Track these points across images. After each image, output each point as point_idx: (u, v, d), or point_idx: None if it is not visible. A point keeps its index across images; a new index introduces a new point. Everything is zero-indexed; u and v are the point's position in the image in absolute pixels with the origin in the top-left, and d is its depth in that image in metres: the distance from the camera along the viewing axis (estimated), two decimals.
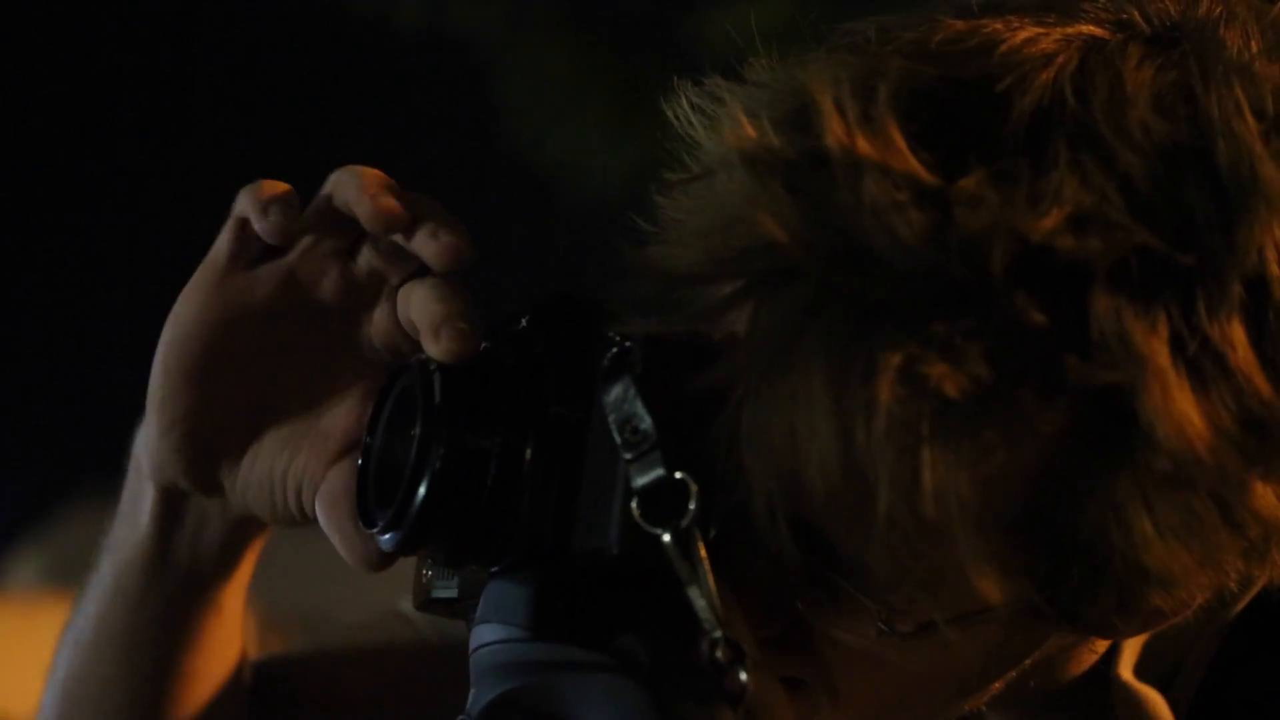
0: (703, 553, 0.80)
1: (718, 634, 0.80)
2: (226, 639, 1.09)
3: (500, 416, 0.85)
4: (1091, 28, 0.86)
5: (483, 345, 0.90)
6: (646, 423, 0.81)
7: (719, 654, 0.79)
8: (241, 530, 1.02)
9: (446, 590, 0.90)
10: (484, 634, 0.84)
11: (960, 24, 0.87)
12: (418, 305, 0.89)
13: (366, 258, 0.94)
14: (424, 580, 0.92)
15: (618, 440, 0.82)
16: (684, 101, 0.88)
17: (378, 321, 0.95)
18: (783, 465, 0.81)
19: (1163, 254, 0.81)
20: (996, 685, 0.94)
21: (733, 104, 0.86)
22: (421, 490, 0.84)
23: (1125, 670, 1.00)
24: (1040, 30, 0.86)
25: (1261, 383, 0.82)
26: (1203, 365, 0.81)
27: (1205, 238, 0.82)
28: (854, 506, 0.81)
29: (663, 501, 0.81)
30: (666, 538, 0.80)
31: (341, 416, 0.96)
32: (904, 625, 0.86)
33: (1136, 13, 0.87)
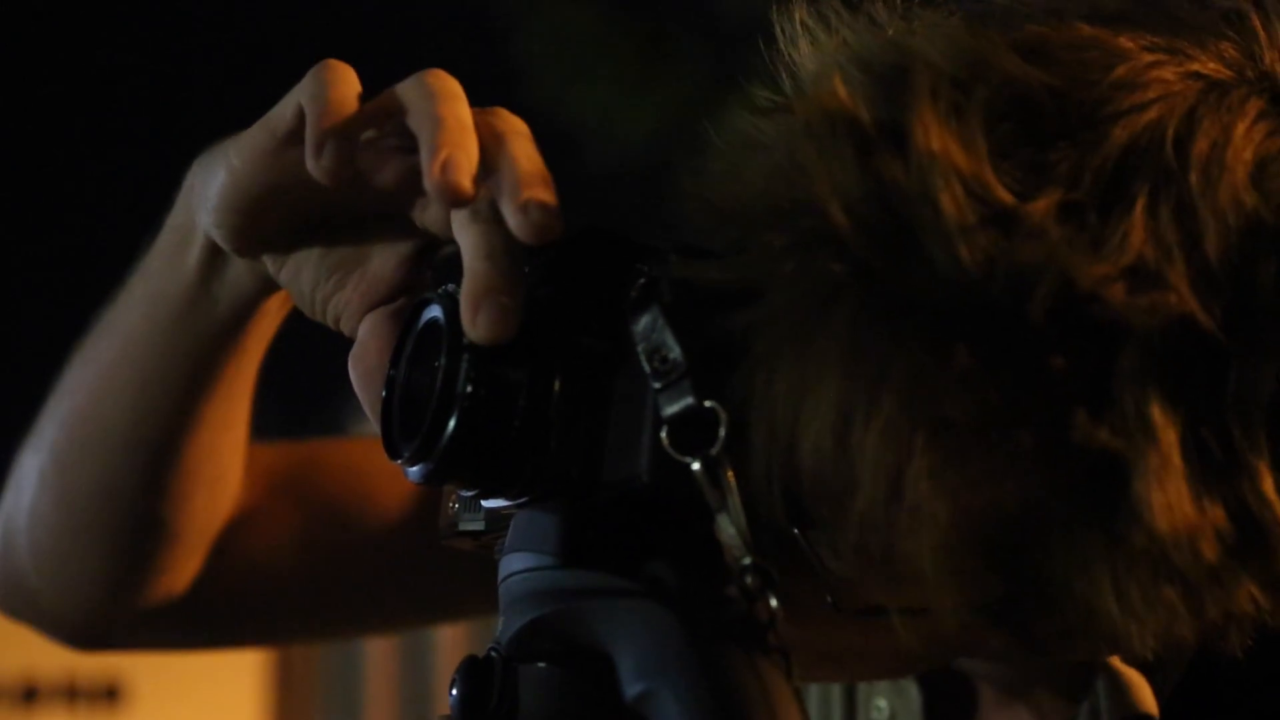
0: (732, 480, 0.80)
1: (747, 560, 0.80)
2: (236, 407, 1.10)
3: (528, 348, 0.85)
4: (1219, 67, 0.83)
5: None
6: (675, 352, 0.81)
7: (749, 580, 0.79)
8: (272, 295, 1.02)
9: (473, 523, 0.91)
10: (513, 563, 0.85)
11: (1087, 30, 0.83)
12: (465, 256, 0.86)
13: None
14: (450, 512, 0.92)
15: (647, 370, 0.82)
16: (794, 16, 0.86)
17: (438, 212, 0.92)
18: (782, 432, 0.81)
19: (1208, 330, 0.78)
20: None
21: (838, 39, 0.85)
22: (451, 422, 0.84)
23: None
24: (1167, 57, 0.82)
25: (1268, 484, 0.80)
26: (1212, 453, 0.79)
27: (1259, 327, 0.79)
28: (836, 490, 0.81)
29: (692, 430, 0.81)
30: (696, 466, 0.80)
31: (392, 268, 0.94)
32: (852, 605, 0.86)
33: (1271, 56, 0.84)
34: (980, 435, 0.78)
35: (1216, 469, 0.79)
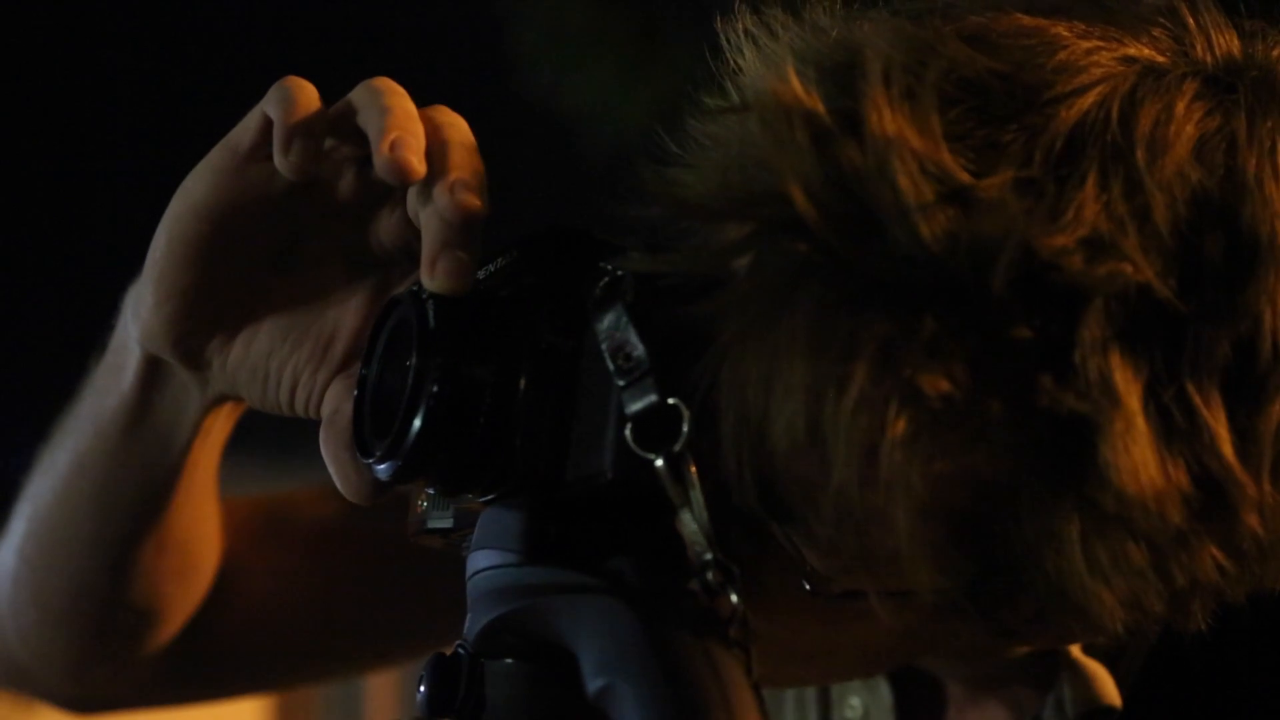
0: (695, 476, 0.81)
1: (709, 556, 0.80)
2: (199, 504, 1.11)
3: (494, 346, 0.85)
4: (1153, 53, 0.86)
5: (477, 277, 0.91)
6: (639, 350, 0.82)
7: (710, 576, 0.80)
8: (221, 406, 1.03)
9: (442, 520, 0.92)
10: (479, 560, 0.85)
11: (1026, 20, 0.86)
12: (424, 221, 0.89)
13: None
14: (419, 510, 0.93)
15: (610, 368, 0.82)
16: (739, 26, 0.88)
17: (391, 220, 0.95)
18: (753, 416, 0.82)
19: (1163, 297, 0.80)
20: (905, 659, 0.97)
21: (784, 43, 0.86)
22: (417, 420, 0.85)
23: (1075, 647, 1.01)
24: (1102, 44, 0.85)
25: (1226, 446, 0.82)
26: (1173, 416, 0.81)
27: (1208, 292, 0.81)
28: (810, 473, 0.82)
29: (655, 427, 0.81)
30: (659, 462, 0.81)
31: (348, 316, 0.96)
32: (832, 589, 0.87)
33: (1200, 44, 0.87)
34: (950, 404, 0.80)
35: (1179, 432, 0.81)
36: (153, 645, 1.18)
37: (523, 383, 0.85)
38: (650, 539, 0.82)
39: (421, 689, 0.84)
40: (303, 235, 0.96)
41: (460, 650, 0.84)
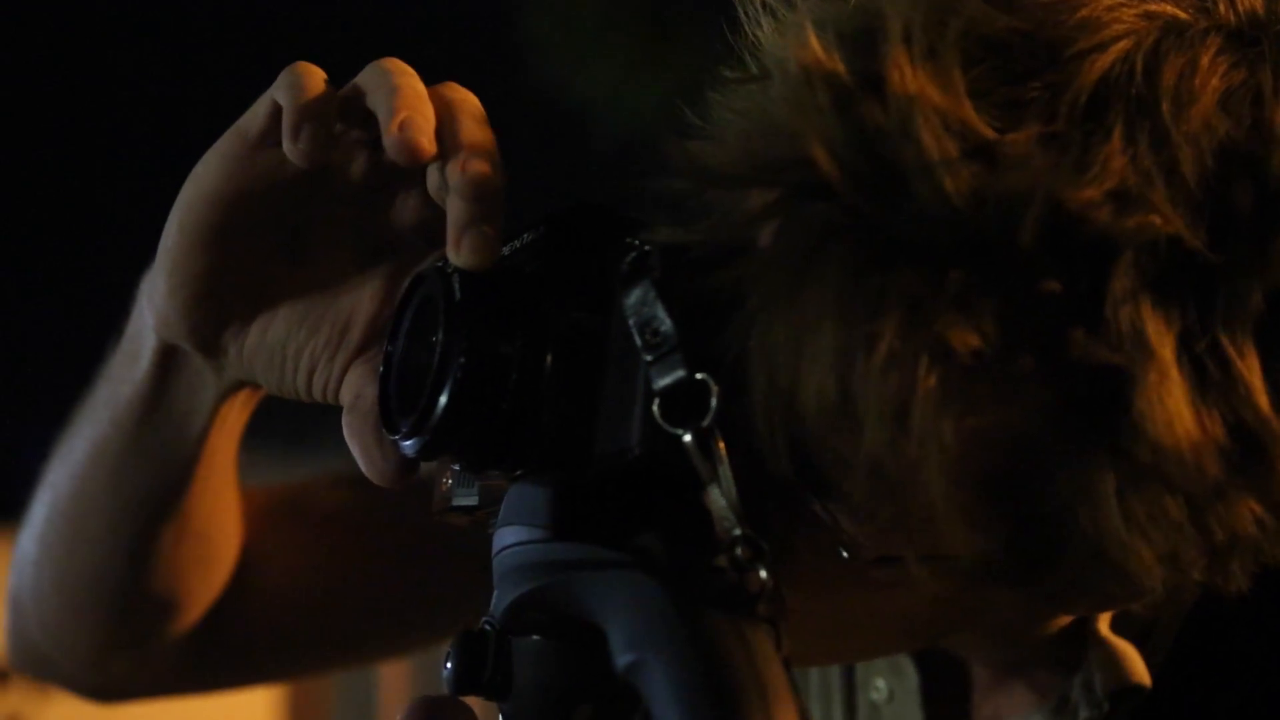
0: (723, 451, 0.81)
1: (737, 532, 0.80)
2: (217, 492, 1.11)
3: (521, 322, 0.85)
4: (1175, 10, 0.86)
5: (502, 254, 0.90)
6: (667, 325, 0.82)
7: (739, 552, 0.80)
8: (237, 393, 1.03)
9: (467, 498, 0.91)
10: (506, 537, 0.85)
11: None
12: (448, 199, 0.89)
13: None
14: (444, 488, 0.92)
15: (638, 343, 0.82)
16: (756, 0, 0.88)
17: (407, 201, 0.95)
18: (783, 381, 0.81)
19: (1193, 249, 0.80)
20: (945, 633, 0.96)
21: (802, 12, 0.86)
22: (444, 396, 0.84)
23: (1103, 626, 1.01)
24: (1123, 1, 0.85)
25: (1261, 397, 0.81)
26: (1206, 368, 0.81)
27: (1239, 242, 0.81)
28: (842, 435, 0.82)
29: (683, 402, 0.81)
30: (687, 438, 0.81)
31: (365, 301, 0.96)
32: (866, 554, 0.87)
33: (1223, 2, 0.87)
34: (981, 360, 0.80)
35: (1214, 384, 0.81)
36: (173, 633, 1.18)
37: (549, 358, 0.85)
38: (679, 514, 0.82)
39: (448, 665, 0.83)
40: (316, 220, 0.96)
41: (487, 627, 0.84)
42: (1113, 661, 1.01)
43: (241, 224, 0.94)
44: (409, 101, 0.89)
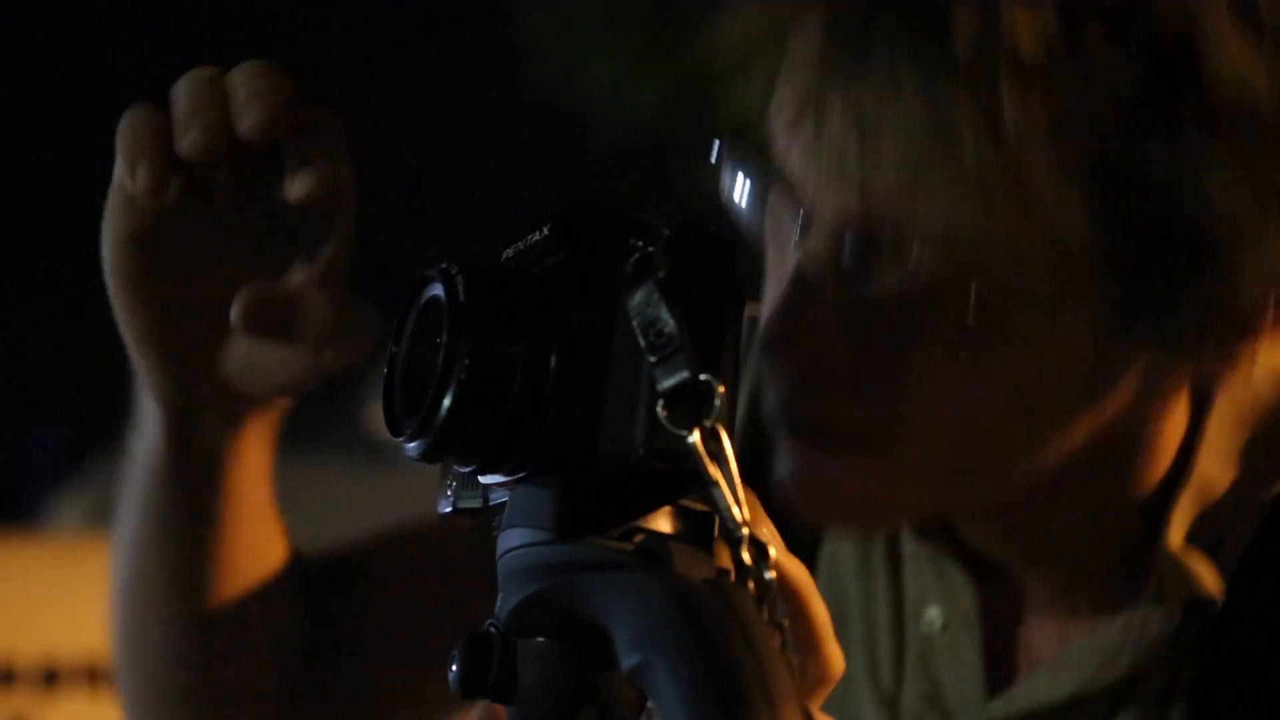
0: (728, 452, 0.80)
1: (742, 534, 0.80)
2: (258, 532, 1.12)
3: (525, 323, 0.85)
4: None
5: (505, 255, 0.90)
6: (670, 326, 0.82)
7: (744, 554, 0.80)
8: (243, 416, 1.05)
9: (472, 500, 0.91)
10: (510, 539, 0.85)
11: None
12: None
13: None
14: (449, 490, 0.92)
15: (642, 344, 0.82)
16: None
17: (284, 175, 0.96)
18: (850, 163, 0.91)
19: None
20: (1075, 439, 1.00)
21: None
22: (448, 397, 0.84)
23: (1174, 537, 1.02)
24: None
25: None
26: (1261, 27, 0.89)
27: None
28: (937, 165, 0.89)
29: (688, 403, 0.81)
30: (692, 438, 0.81)
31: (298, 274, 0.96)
32: (979, 311, 0.93)
33: None
34: (1052, 49, 0.87)
35: (1269, 37, 0.90)
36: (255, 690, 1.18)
37: (554, 360, 0.85)
38: (684, 516, 0.82)
39: (453, 668, 0.83)
40: (225, 235, 0.97)
41: (492, 629, 0.84)
42: (1182, 573, 1.02)
43: (156, 264, 0.96)
44: (190, 107, 0.91)
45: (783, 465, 1.04)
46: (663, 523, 0.82)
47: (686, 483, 0.81)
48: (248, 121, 0.90)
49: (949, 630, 1.10)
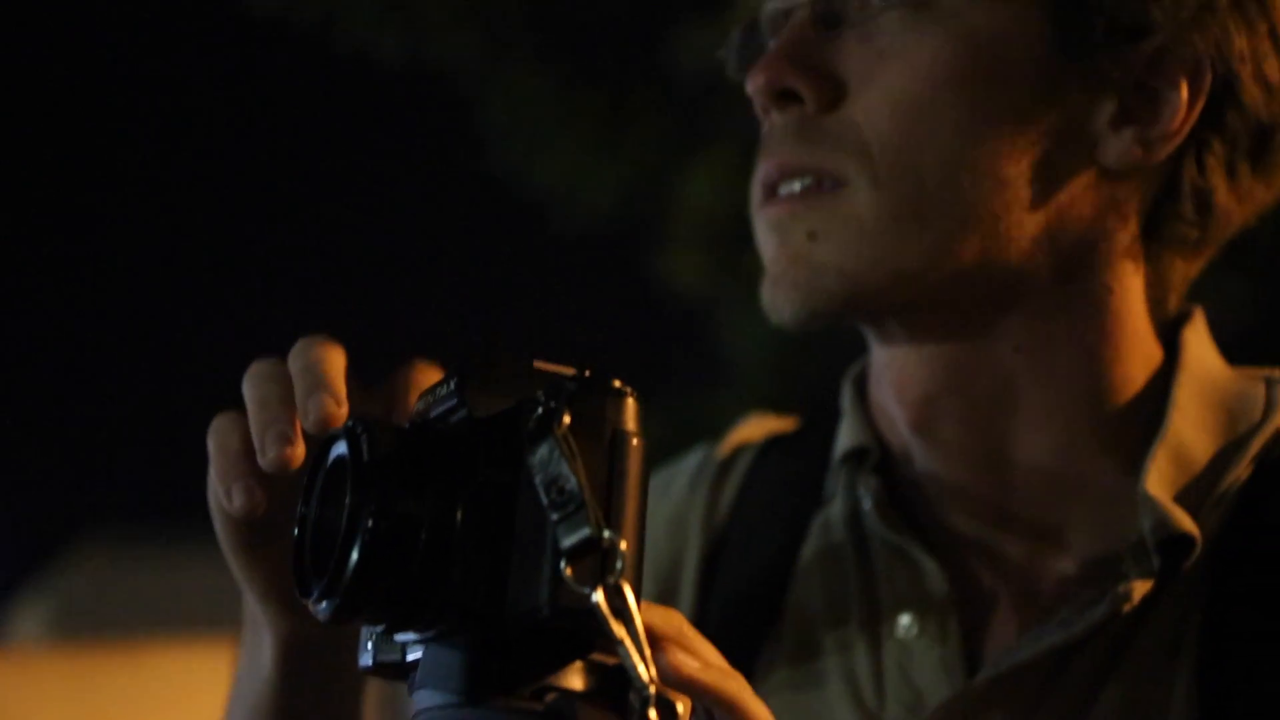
0: (634, 609, 0.80)
1: (649, 692, 0.79)
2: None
3: (430, 480, 0.85)
4: None
5: (415, 407, 0.90)
6: (572, 483, 0.81)
7: (650, 713, 0.79)
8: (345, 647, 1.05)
9: (390, 654, 0.90)
10: (422, 699, 0.84)
11: None
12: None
13: None
14: (368, 644, 0.92)
15: (544, 501, 0.82)
16: None
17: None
18: None
19: None
20: (1024, 229, 1.08)
21: None
22: (353, 557, 0.84)
23: (1153, 485, 1.05)
24: None
25: None
26: None
27: None
28: None
29: (591, 561, 0.81)
30: (596, 597, 0.80)
31: None
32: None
33: None
34: None
35: None
36: None
37: (459, 517, 0.84)
38: (596, 671, 0.81)
39: None
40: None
41: None
42: (1160, 514, 1.04)
43: (254, 539, 1.01)
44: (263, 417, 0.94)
45: (766, 242, 1.12)
46: (574, 679, 0.82)
47: (595, 639, 0.81)
48: (314, 418, 0.92)
49: (925, 634, 1.10)
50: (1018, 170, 1.07)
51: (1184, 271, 1.14)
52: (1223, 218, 1.12)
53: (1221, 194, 1.11)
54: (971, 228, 1.07)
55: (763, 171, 1.12)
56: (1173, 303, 1.15)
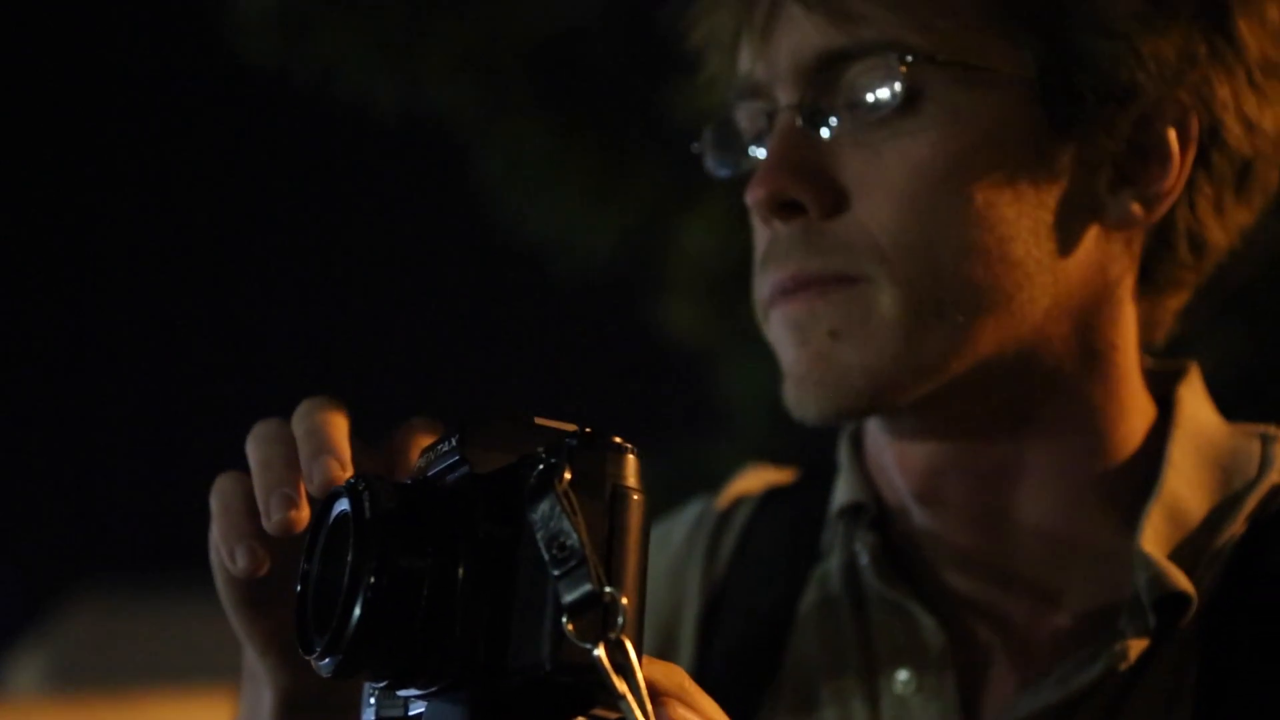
0: (635, 664, 0.81)
1: None
2: None
3: (431, 536, 0.85)
4: None
5: (416, 464, 0.91)
6: (573, 539, 0.82)
7: None
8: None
9: (392, 709, 0.91)
10: None
11: None
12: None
13: None
14: (371, 698, 0.92)
15: (545, 557, 0.82)
16: None
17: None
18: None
19: None
20: (1036, 300, 1.10)
21: None
22: (356, 612, 0.84)
23: (1149, 542, 1.06)
24: None
25: None
26: None
27: None
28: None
29: (593, 616, 0.81)
30: (598, 652, 0.81)
31: None
32: (911, 73, 1.06)
33: None
34: None
35: None
36: None
37: (461, 573, 0.85)
38: None
39: None
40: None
41: None
42: (1155, 573, 1.04)
43: (255, 600, 1.02)
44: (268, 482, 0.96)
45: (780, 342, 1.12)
46: None
47: (597, 694, 0.81)
48: (318, 482, 0.93)
49: (922, 690, 1.10)
50: (1025, 249, 1.09)
51: (1173, 307, 1.16)
52: (1213, 252, 1.14)
53: (1213, 231, 1.13)
54: (986, 311, 1.09)
55: (774, 281, 1.12)
56: (1159, 336, 1.16)
